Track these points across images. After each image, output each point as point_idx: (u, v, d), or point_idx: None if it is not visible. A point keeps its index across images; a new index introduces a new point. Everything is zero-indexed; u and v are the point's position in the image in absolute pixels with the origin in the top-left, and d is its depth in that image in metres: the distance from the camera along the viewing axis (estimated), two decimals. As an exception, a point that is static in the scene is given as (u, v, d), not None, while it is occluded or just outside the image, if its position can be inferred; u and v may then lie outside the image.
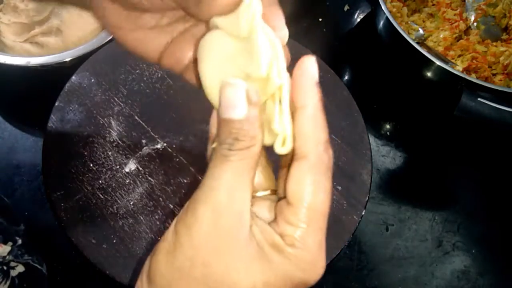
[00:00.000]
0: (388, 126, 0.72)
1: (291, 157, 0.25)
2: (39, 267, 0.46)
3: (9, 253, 0.44)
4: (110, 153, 0.53)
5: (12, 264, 0.44)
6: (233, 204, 0.23)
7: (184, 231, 0.24)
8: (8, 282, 0.42)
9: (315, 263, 0.25)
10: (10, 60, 0.57)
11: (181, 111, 0.57)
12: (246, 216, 0.24)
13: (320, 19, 0.79)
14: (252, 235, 0.24)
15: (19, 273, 0.44)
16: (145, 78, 0.59)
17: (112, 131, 0.55)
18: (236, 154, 0.24)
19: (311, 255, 0.24)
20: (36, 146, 0.62)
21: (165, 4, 0.27)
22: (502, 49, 0.71)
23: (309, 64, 0.25)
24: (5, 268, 0.43)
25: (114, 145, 0.54)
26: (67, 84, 0.57)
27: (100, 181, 0.52)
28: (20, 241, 0.45)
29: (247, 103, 0.24)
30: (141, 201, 0.51)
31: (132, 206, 0.51)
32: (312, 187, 0.24)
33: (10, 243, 0.45)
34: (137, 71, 0.59)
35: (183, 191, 0.52)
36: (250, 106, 0.24)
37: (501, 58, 0.71)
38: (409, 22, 0.75)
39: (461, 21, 0.73)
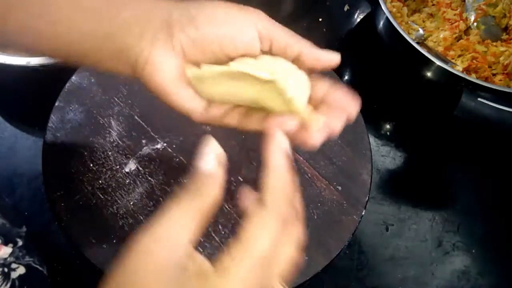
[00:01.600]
0: (388, 126, 0.72)
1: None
2: (40, 268, 0.46)
3: (10, 255, 0.44)
4: (110, 153, 0.53)
5: (13, 265, 0.44)
6: (170, 237, 0.26)
7: (125, 259, 0.27)
8: (8, 284, 0.42)
9: None
10: (10, 60, 0.57)
11: (181, 111, 0.57)
12: (180, 250, 0.26)
13: (320, 19, 0.79)
14: (185, 268, 0.26)
15: (20, 275, 0.43)
16: (145, 78, 0.58)
17: (112, 131, 0.55)
18: (190, 196, 0.28)
19: (226, 284, 0.25)
20: (36, 146, 0.62)
21: None
22: (502, 49, 0.71)
23: (278, 139, 0.30)
24: (6, 270, 0.43)
25: (114, 145, 0.54)
26: (67, 84, 0.57)
27: (100, 181, 0.52)
28: (21, 243, 0.45)
29: (216, 163, 0.29)
30: (141, 201, 0.51)
31: (132, 206, 0.51)
32: (255, 228, 0.26)
33: (11, 245, 0.45)
34: (137, 71, 0.59)
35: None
36: (219, 167, 0.29)
37: (501, 58, 0.71)
38: (409, 22, 0.75)
39: (461, 21, 0.73)
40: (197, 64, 0.33)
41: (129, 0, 0.33)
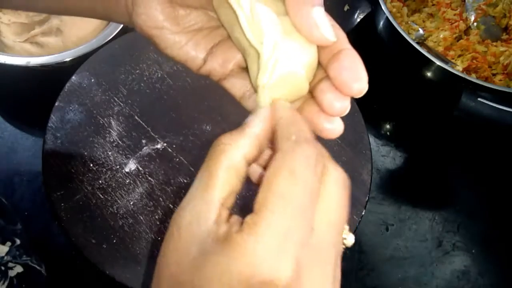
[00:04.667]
0: (388, 126, 0.72)
1: None
2: (37, 267, 0.46)
3: (7, 254, 0.44)
4: (110, 153, 0.53)
5: (10, 264, 0.44)
6: (194, 204, 0.23)
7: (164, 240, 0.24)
8: (6, 283, 0.42)
9: (265, 256, 0.20)
10: (10, 60, 0.57)
11: (181, 111, 0.57)
12: (208, 215, 0.22)
13: (320, 19, 0.79)
14: (212, 234, 0.22)
15: (18, 274, 0.43)
16: (145, 78, 0.59)
17: (112, 131, 0.55)
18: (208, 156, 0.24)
19: (260, 243, 0.20)
20: (36, 146, 0.62)
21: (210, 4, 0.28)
22: (502, 49, 0.71)
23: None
24: (3, 268, 0.43)
25: (114, 145, 0.54)
26: (67, 84, 0.57)
27: (100, 181, 0.52)
28: (18, 241, 0.45)
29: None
30: (141, 201, 0.51)
31: (132, 206, 0.51)
32: (276, 172, 0.21)
33: (9, 243, 0.45)
34: (137, 71, 0.59)
35: (183, 191, 0.52)
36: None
37: (501, 58, 0.71)
38: (409, 22, 0.75)
39: (461, 21, 0.73)
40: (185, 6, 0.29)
41: None
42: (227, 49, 0.29)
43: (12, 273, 0.43)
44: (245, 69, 0.29)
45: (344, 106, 0.25)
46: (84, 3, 0.32)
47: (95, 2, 0.31)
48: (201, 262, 0.21)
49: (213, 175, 0.23)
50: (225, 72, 0.29)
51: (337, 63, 0.24)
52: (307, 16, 0.24)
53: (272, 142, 0.25)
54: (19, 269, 0.44)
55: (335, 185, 0.24)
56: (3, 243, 0.44)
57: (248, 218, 0.21)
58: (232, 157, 0.23)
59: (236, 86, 0.30)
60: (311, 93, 0.26)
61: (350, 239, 0.26)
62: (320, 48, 0.26)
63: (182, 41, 0.29)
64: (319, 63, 0.26)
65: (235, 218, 0.23)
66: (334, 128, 0.26)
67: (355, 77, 0.24)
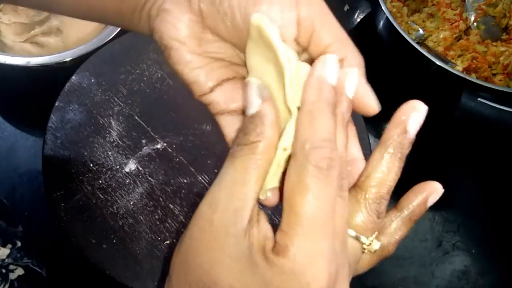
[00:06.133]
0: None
1: None
2: (38, 270, 0.46)
3: (8, 256, 0.44)
4: (110, 153, 0.53)
5: (11, 267, 0.43)
6: (230, 201, 0.23)
7: (188, 228, 0.24)
8: (7, 285, 0.42)
9: (299, 276, 0.22)
10: (10, 60, 0.57)
11: (181, 111, 0.57)
12: (242, 213, 0.23)
13: (320, 19, 0.79)
14: (247, 235, 0.23)
15: (19, 276, 0.43)
16: (145, 78, 0.59)
17: (112, 131, 0.55)
18: (241, 149, 0.23)
19: (295, 266, 0.22)
20: (36, 146, 0.62)
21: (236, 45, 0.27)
22: (502, 49, 0.71)
23: (323, 61, 0.24)
24: (3, 271, 0.43)
25: (114, 145, 0.54)
26: (67, 84, 0.57)
27: (100, 181, 0.52)
28: (19, 244, 0.45)
29: (259, 99, 0.24)
30: (141, 201, 0.51)
31: (132, 206, 0.51)
32: (296, 190, 0.22)
33: (10, 246, 0.45)
34: (137, 71, 0.59)
35: (183, 191, 0.52)
36: (263, 103, 0.24)
37: (501, 58, 0.71)
38: (409, 22, 0.75)
39: (461, 21, 0.73)
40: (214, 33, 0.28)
41: None
42: (238, 88, 0.28)
43: (13, 275, 0.43)
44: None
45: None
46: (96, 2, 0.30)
47: (106, 2, 0.30)
48: (241, 270, 0.22)
49: (250, 172, 0.23)
50: (226, 109, 0.29)
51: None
52: (367, 87, 0.26)
53: None
54: (20, 271, 0.44)
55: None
56: (4, 246, 0.44)
57: (279, 238, 0.23)
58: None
59: (231, 126, 0.29)
60: None
61: (374, 245, 0.28)
62: None
63: (198, 63, 0.28)
64: None
65: (263, 217, 0.24)
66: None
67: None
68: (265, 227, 0.24)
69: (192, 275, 0.23)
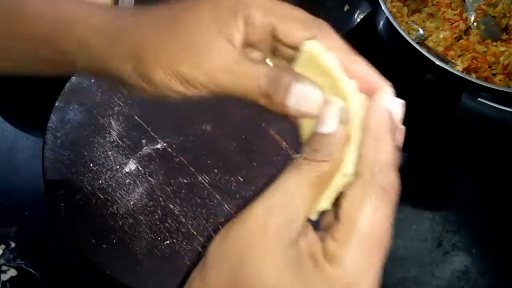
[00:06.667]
0: (388, 126, 0.72)
1: None
2: (32, 271, 0.46)
3: (0, 257, 0.44)
4: (110, 153, 0.53)
5: (4, 268, 0.43)
6: (285, 211, 0.24)
7: (236, 224, 0.24)
8: None
9: (350, 286, 0.23)
10: (10, 60, 0.57)
11: (181, 111, 0.57)
12: (295, 225, 0.24)
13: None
14: (296, 244, 0.24)
15: (11, 277, 0.43)
16: (145, 78, 0.58)
17: (112, 131, 0.55)
18: (308, 163, 0.24)
19: (348, 276, 0.23)
20: (36, 146, 0.61)
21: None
22: (502, 49, 0.71)
23: (385, 91, 0.28)
24: (-4, 272, 0.43)
25: (114, 145, 0.54)
26: (67, 84, 0.57)
27: (100, 181, 0.52)
28: (13, 244, 0.45)
29: (337, 121, 0.25)
30: (141, 201, 0.51)
31: (132, 206, 0.51)
32: (360, 206, 0.24)
33: (3, 246, 0.44)
34: (137, 71, 0.59)
35: (183, 191, 0.52)
36: (340, 125, 0.25)
37: (501, 58, 0.71)
38: (409, 22, 0.75)
39: (461, 21, 0.73)
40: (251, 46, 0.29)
41: None
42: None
43: (5, 276, 0.43)
44: None
45: None
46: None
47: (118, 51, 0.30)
48: (288, 273, 0.23)
49: (310, 188, 0.25)
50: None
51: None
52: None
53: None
54: (12, 272, 0.44)
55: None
56: (-4, 246, 0.44)
57: (333, 247, 0.24)
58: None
59: None
60: None
61: None
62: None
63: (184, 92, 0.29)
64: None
65: (310, 228, 0.25)
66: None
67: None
68: (313, 236, 0.25)
69: (235, 271, 0.24)
